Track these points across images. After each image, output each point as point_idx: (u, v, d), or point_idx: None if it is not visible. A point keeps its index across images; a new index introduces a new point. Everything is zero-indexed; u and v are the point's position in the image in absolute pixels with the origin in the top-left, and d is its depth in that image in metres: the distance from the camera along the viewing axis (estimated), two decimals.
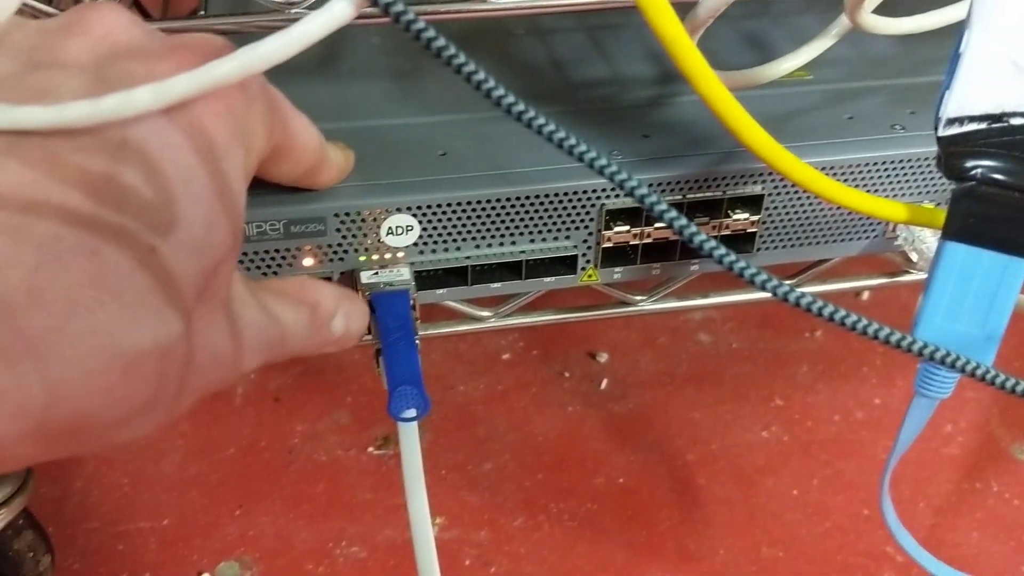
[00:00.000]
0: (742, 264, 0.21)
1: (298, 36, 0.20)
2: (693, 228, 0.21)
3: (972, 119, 0.25)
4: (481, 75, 0.21)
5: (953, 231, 0.26)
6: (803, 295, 0.21)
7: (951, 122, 0.25)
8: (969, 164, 0.25)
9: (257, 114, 0.24)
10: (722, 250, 0.21)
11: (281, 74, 0.41)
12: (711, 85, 0.22)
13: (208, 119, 0.22)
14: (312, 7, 0.30)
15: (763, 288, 0.22)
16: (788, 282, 0.39)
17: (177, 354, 0.21)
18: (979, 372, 0.22)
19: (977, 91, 0.24)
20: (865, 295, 0.61)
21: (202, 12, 0.42)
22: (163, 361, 0.20)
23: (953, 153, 0.25)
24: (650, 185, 0.34)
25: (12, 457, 0.19)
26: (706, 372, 0.57)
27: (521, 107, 0.21)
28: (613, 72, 0.40)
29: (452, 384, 0.56)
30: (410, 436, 0.31)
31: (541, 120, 0.21)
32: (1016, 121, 0.24)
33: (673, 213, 0.21)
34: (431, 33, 0.20)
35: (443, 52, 0.21)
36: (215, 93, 0.22)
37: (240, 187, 0.23)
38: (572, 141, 0.21)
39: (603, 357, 0.58)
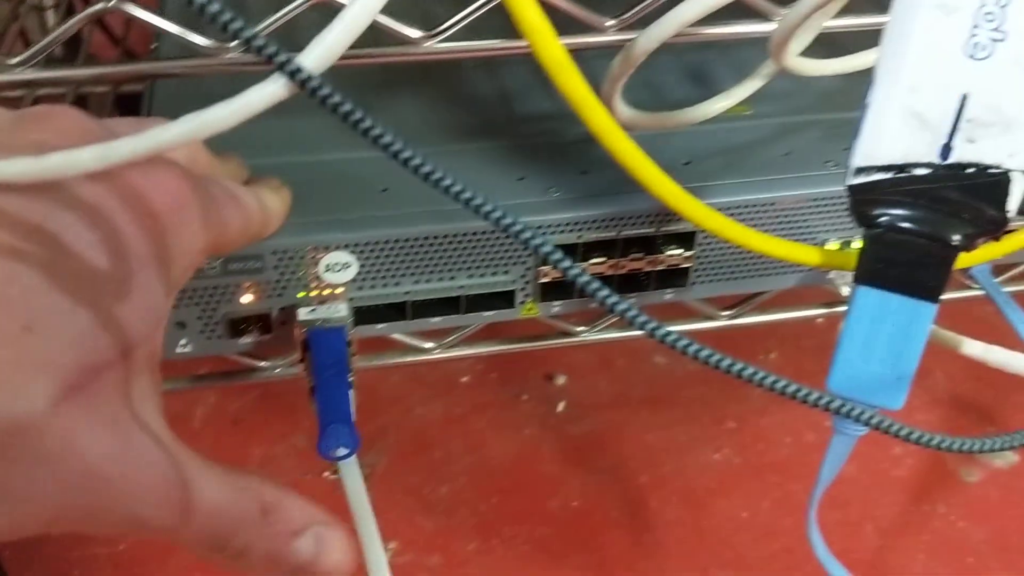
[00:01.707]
0: (624, 306, 0.22)
1: (239, 107, 0.21)
2: (576, 270, 0.22)
3: (878, 169, 0.25)
4: (379, 130, 0.21)
5: (864, 275, 0.26)
6: (681, 339, 0.22)
7: (859, 171, 0.26)
8: (877, 212, 0.26)
9: (194, 218, 0.23)
10: (605, 291, 0.22)
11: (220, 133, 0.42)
12: (619, 143, 0.23)
13: (155, 196, 0.22)
14: (244, 52, 0.31)
15: (643, 330, 0.22)
16: (726, 312, 0.40)
17: (31, 440, 0.19)
18: (883, 425, 0.23)
19: (883, 142, 0.25)
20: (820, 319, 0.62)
21: (153, 46, 0.42)
22: (11, 440, 0.18)
23: (862, 201, 0.26)
24: (587, 221, 0.35)
25: None
26: (661, 394, 0.58)
27: (428, 167, 0.22)
28: (557, 107, 0.41)
29: (410, 407, 0.57)
30: (352, 471, 0.31)
31: (430, 168, 0.22)
32: (920, 171, 0.25)
33: (556, 254, 0.22)
34: (337, 99, 0.21)
35: (349, 117, 0.21)
36: (160, 176, 0.22)
37: (178, 272, 0.23)
38: (460, 188, 0.22)
39: (561, 379, 0.59)
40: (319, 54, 0.21)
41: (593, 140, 0.39)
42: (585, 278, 0.21)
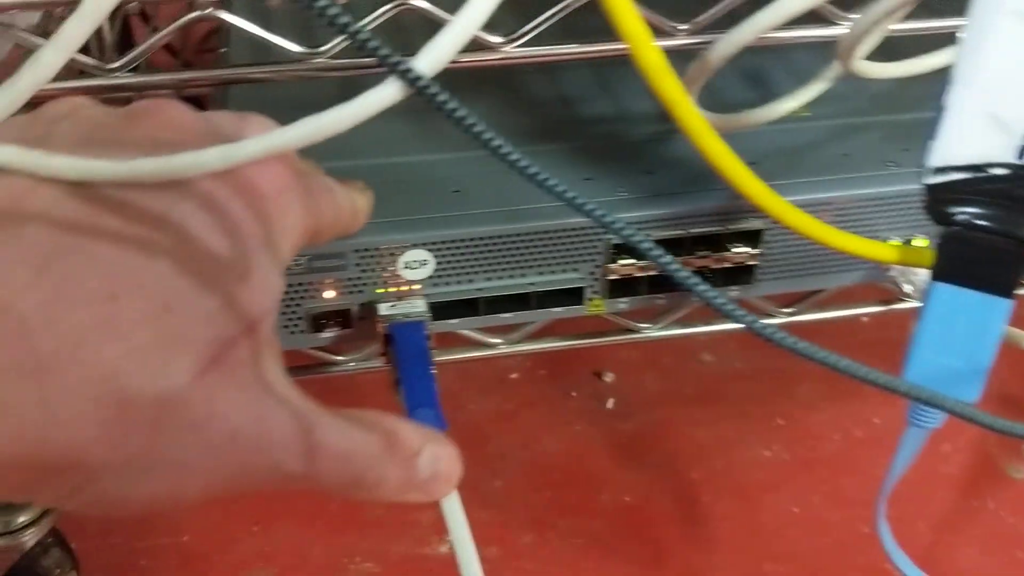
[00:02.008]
0: (721, 300, 0.23)
1: (356, 110, 0.22)
2: (669, 259, 0.23)
3: (955, 169, 0.26)
4: (489, 133, 0.22)
5: (941, 272, 0.27)
6: (777, 331, 0.23)
7: (937, 171, 0.26)
8: (954, 210, 0.26)
9: (297, 205, 0.25)
10: (703, 286, 0.23)
11: (300, 111, 0.43)
12: (711, 143, 0.24)
13: (262, 182, 0.23)
14: (333, 57, 0.32)
15: (739, 322, 0.23)
16: (787, 310, 0.41)
17: (179, 411, 0.20)
18: (958, 410, 0.24)
19: (960, 143, 0.26)
20: (865, 317, 0.62)
21: (223, 50, 0.44)
22: (162, 412, 0.20)
23: (939, 200, 0.27)
24: (656, 220, 0.36)
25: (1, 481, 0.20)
26: (710, 392, 0.59)
27: (524, 162, 0.23)
28: (619, 108, 0.42)
29: (463, 403, 0.58)
30: (453, 508, 0.29)
31: (536, 169, 0.23)
32: (997, 171, 0.26)
33: (656, 249, 0.23)
34: (453, 105, 0.22)
35: (463, 120, 0.22)
36: (268, 163, 0.23)
37: (286, 252, 0.24)
38: (562, 187, 0.23)
39: (609, 377, 0.59)
40: (433, 57, 0.22)
41: (656, 140, 0.40)
42: (684, 273, 0.22)
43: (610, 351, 0.61)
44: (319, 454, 0.23)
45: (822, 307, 0.41)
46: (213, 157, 0.21)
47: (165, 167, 0.21)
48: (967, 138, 0.26)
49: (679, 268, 0.24)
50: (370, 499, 0.25)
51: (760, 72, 0.45)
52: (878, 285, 0.41)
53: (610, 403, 0.58)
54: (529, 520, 0.51)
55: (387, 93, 0.22)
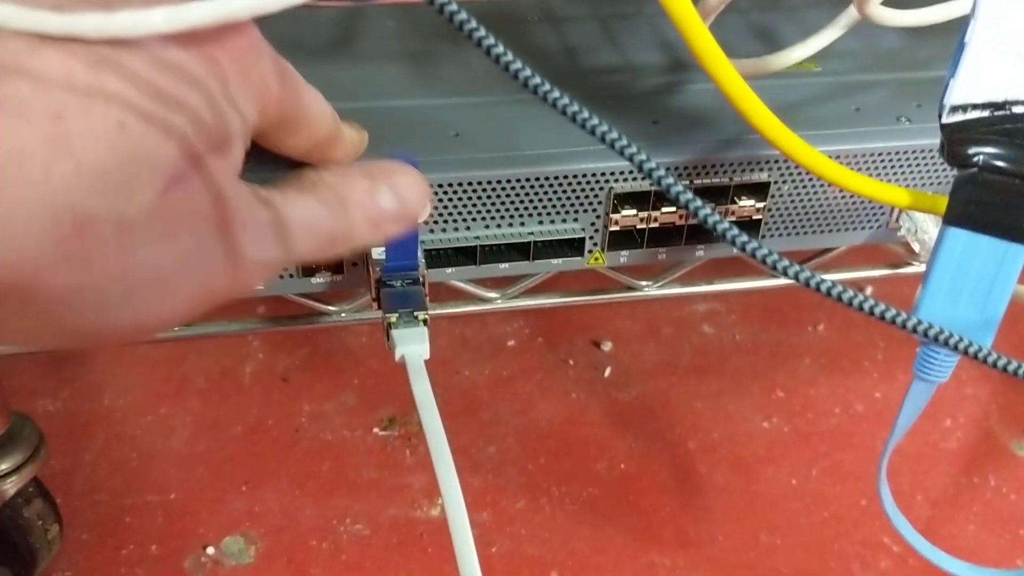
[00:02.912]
0: (754, 245, 0.22)
1: None
2: (707, 209, 0.22)
3: (975, 107, 0.25)
4: (510, 56, 0.21)
5: (954, 216, 0.26)
6: (813, 275, 0.22)
7: (954, 109, 0.25)
8: (971, 151, 0.25)
9: (266, 69, 0.24)
10: (735, 231, 0.22)
11: (297, 53, 0.42)
12: (723, 69, 0.23)
13: (220, 55, 0.22)
14: None
15: (775, 269, 0.22)
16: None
17: (145, 230, 0.20)
18: (975, 352, 0.23)
19: (980, 80, 0.25)
20: (869, 290, 0.61)
21: None
22: (125, 231, 0.20)
23: (956, 140, 0.26)
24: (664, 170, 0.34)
25: None
26: (709, 363, 0.58)
27: (546, 87, 0.22)
28: (624, 60, 0.41)
29: (458, 369, 0.57)
30: (418, 371, 0.31)
31: (558, 95, 0.22)
32: (1018, 109, 0.25)
33: (689, 195, 0.22)
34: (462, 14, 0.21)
35: (474, 33, 0.21)
36: (225, 35, 0.22)
37: (251, 113, 0.24)
38: (595, 121, 0.22)
39: (607, 346, 0.59)
40: None
41: (662, 92, 0.39)
42: (721, 221, 0.21)
43: (609, 321, 0.60)
44: (288, 234, 0.24)
45: (827, 269, 0.40)
46: (159, 18, 0.20)
47: (107, 24, 0.20)
48: (987, 75, 0.25)
49: (710, 213, 0.23)
50: (354, 248, 0.26)
51: (771, 30, 0.44)
52: (886, 247, 0.41)
53: (608, 372, 0.57)
54: (523, 486, 0.51)
55: None
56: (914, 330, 0.23)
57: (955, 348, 0.23)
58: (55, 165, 0.19)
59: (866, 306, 0.23)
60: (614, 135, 0.21)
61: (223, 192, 0.22)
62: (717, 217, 0.22)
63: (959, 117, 0.25)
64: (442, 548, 0.48)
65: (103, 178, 0.19)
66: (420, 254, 0.33)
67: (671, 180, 0.21)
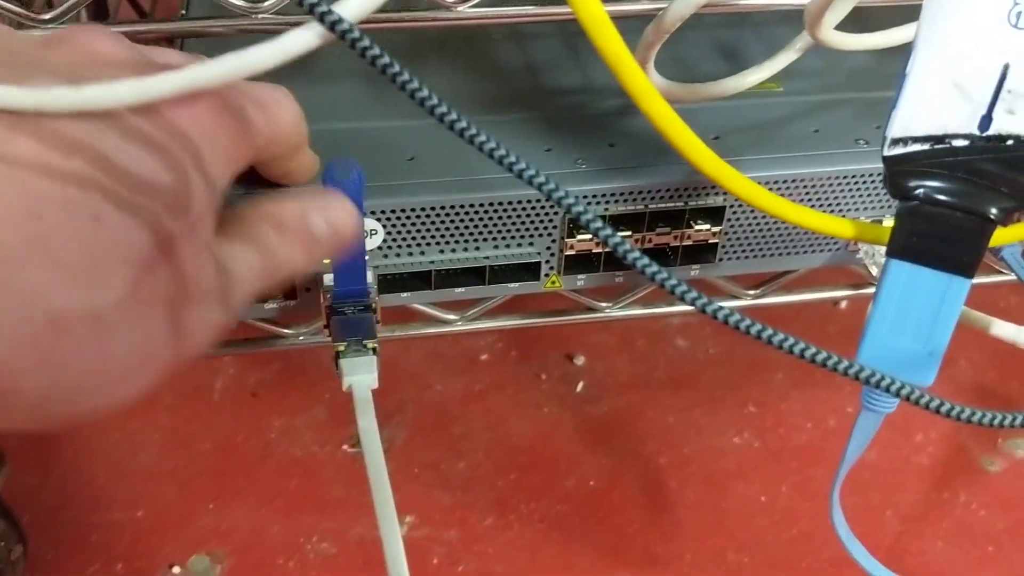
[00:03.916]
0: (664, 276, 0.22)
1: (276, 49, 0.21)
2: (618, 239, 0.22)
3: (916, 140, 0.25)
4: (425, 91, 0.21)
5: (897, 249, 0.26)
6: (720, 308, 0.22)
7: (895, 142, 0.25)
8: (913, 183, 0.25)
9: (239, 129, 0.24)
10: (645, 260, 0.22)
11: (258, 76, 0.42)
12: (655, 104, 0.22)
13: (190, 126, 0.22)
14: (278, 12, 0.31)
15: (684, 300, 0.22)
16: (752, 292, 0.40)
17: (117, 323, 0.20)
18: (913, 397, 0.23)
19: (921, 112, 0.25)
20: (844, 303, 0.61)
21: (183, 12, 0.42)
22: (99, 327, 0.20)
23: (898, 172, 0.25)
24: (614, 194, 0.34)
25: None
26: (682, 377, 0.58)
27: (463, 123, 0.21)
28: (586, 80, 0.41)
29: (430, 383, 0.57)
30: (365, 403, 0.31)
31: (474, 131, 0.22)
32: (958, 143, 0.25)
33: (599, 223, 0.22)
34: (375, 51, 0.21)
35: (387, 69, 0.21)
36: (194, 104, 0.22)
37: (220, 178, 0.24)
38: (503, 153, 0.22)
39: (580, 360, 0.58)
40: (358, 5, 0.20)
41: (622, 113, 0.39)
42: (630, 249, 0.21)
43: (583, 334, 0.60)
44: (233, 296, 0.24)
45: (789, 290, 0.40)
46: (126, 90, 0.20)
47: (75, 97, 0.20)
48: (928, 107, 0.25)
49: (621, 242, 0.23)
50: (294, 275, 0.26)
51: (737, 48, 0.43)
52: (848, 268, 0.40)
53: (580, 386, 0.57)
54: (492, 503, 0.50)
55: (309, 36, 0.21)
56: (846, 373, 0.23)
57: (890, 391, 0.22)
58: (31, 266, 0.19)
59: (786, 345, 0.22)
60: (511, 159, 0.21)
61: (188, 274, 0.22)
62: (627, 246, 0.22)
63: (900, 150, 0.25)
64: (410, 568, 0.48)
65: (78, 275, 0.19)
66: (372, 279, 0.33)
67: (581, 208, 0.21)
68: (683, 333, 0.60)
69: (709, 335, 0.60)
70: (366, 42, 0.21)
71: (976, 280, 0.41)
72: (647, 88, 0.22)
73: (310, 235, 0.26)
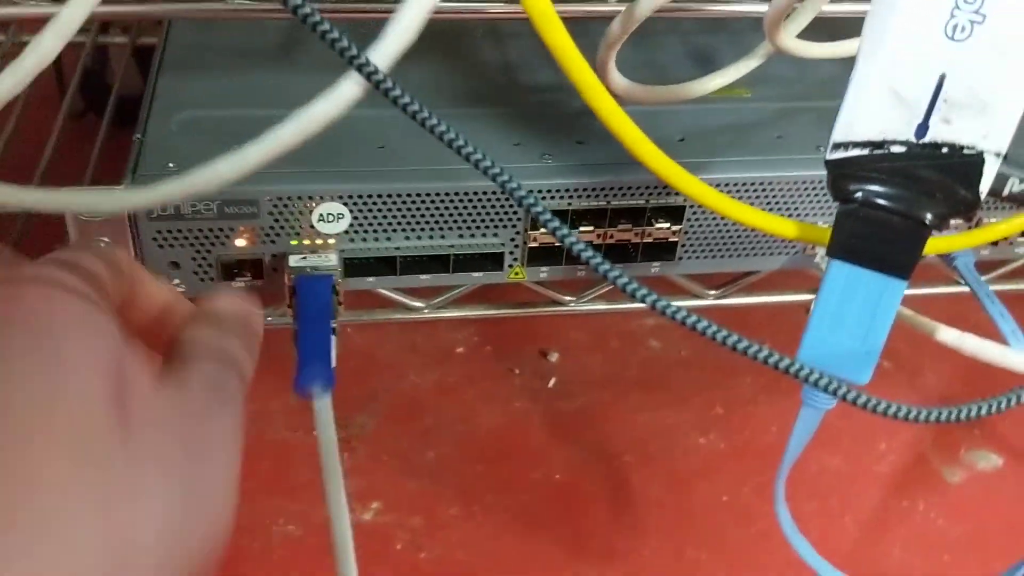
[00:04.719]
0: (616, 273, 0.23)
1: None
2: (573, 238, 0.23)
3: (856, 144, 0.26)
4: (346, 44, 0.22)
5: (837, 249, 0.27)
6: (669, 305, 0.23)
7: (837, 147, 0.26)
8: (852, 187, 0.26)
9: None
10: (598, 259, 0.23)
11: (236, 59, 0.43)
12: (599, 97, 0.23)
13: None
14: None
15: (635, 297, 0.23)
16: (713, 292, 0.41)
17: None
18: (849, 396, 0.23)
19: (861, 118, 0.26)
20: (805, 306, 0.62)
21: None
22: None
23: (838, 176, 0.26)
24: (578, 189, 0.35)
25: None
26: (653, 377, 0.58)
27: (425, 113, 0.22)
28: (559, 78, 0.41)
29: (404, 373, 0.58)
30: (324, 413, 0.32)
31: (435, 122, 0.23)
32: (896, 149, 0.25)
33: (550, 218, 0.22)
34: (335, 34, 0.21)
35: (345, 52, 0.22)
36: None
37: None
38: (462, 143, 0.23)
39: (554, 356, 0.59)
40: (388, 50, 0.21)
41: (592, 113, 0.40)
42: (577, 243, 0.22)
43: (558, 331, 0.61)
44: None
45: (751, 292, 0.41)
46: None
47: None
48: (867, 113, 0.26)
49: (568, 234, 0.24)
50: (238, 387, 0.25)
51: (711, 54, 0.44)
52: (809, 272, 0.41)
53: (552, 382, 0.58)
54: (457, 492, 0.51)
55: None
56: (787, 371, 0.24)
57: (827, 391, 0.23)
58: None
59: (729, 341, 0.23)
60: (470, 150, 0.22)
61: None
62: (582, 245, 0.22)
63: (841, 154, 0.26)
64: (371, 552, 0.48)
65: None
66: (338, 262, 0.34)
67: (531, 200, 0.22)
68: (656, 335, 0.61)
69: (682, 337, 0.61)
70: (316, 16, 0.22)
71: (937, 290, 0.43)
72: (597, 87, 0.23)
73: (231, 352, 0.26)
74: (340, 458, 0.32)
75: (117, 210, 0.27)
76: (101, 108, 0.56)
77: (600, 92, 0.23)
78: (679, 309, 0.24)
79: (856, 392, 0.25)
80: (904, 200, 0.26)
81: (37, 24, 0.25)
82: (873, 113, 0.25)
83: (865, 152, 0.26)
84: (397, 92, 0.21)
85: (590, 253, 0.24)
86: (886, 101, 0.25)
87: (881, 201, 0.26)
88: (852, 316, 0.27)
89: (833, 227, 0.27)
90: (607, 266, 0.24)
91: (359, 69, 0.21)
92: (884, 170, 0.26)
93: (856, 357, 0.28)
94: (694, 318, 0.25)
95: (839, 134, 0.26)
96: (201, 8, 0.33)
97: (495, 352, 0.59)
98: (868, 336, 0.27)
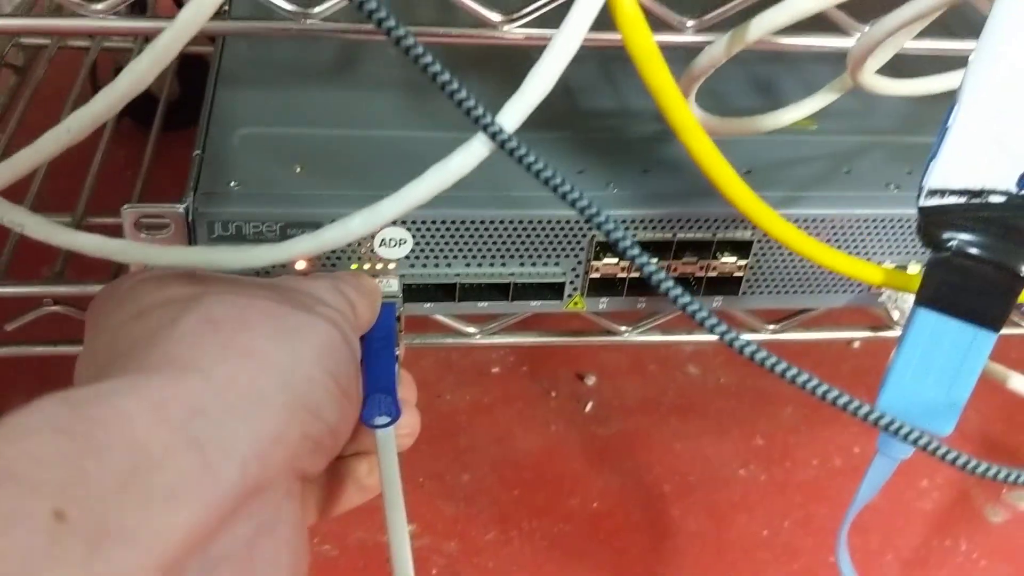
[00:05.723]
0: (695, 307, 0.22)
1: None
2: (653, 267, 0.22)
3: (953, 192, 0.25)
4: (473, 104, 0.21)
5: (926, 298, 0.26)
6: (756, 347, 0.22)
7: (932, 193, 0.25)
8: (946, 235, 0.25)
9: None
10: (678, 291, 0.22)
11: (300, 78, 0.42)
12: (699, 141, 0.23)
13: None
14: (327, 19, 0.31)
15: (713, 332, 0.22)
16: (772, 326, 0.40)
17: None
18: (930, 447, 0.23)
19: (960, 166, 0.25)
20: (856, 343, 0.61)
21: (226, 9, 0.43)
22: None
23: (932, 223, 0.26)
24: (644, 220, 0.35)
25: None
26: (691, 404, 0.58)
27: (513, 143, 0.22)
28: (622, 104, 0.41)
29: (440, 392, 0.57)
30: (387, 443, 0.31)
31: (524, 151, 0.22)
32: (995, 199, 0.25)
33: (636, 250, 0.22)
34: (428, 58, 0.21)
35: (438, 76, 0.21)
36: None
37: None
38: (549, 173, 0.22)
39: (591, 379, 0.59)
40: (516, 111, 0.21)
41: (656, 140, 0.39)
42: (661, 276, 0.21)
43: (595, 354, 0.60)
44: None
45: (808, 327, 0.40)
46: None
47: None
48: (967, 161, 0.25)
49: (654, 268, 0.23)
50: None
51: (772, 83, 0.44)
52: (868, 310, 0.41)
53: (589, 406, 0.57)
54: (494, 517, 0.50)
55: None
56: (866, 418, 0.23)
57: (907, 440, 0.23)
58: None
59: (809, 385, 0.23)
60: (557, 180, 0.21)
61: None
62: (662, 275, 0.22)
63: (936, 201, 0.25)
64: None
65: None
66: (398, 287, 0.33)
67: (620, 233, 0.21)
68: (695, 360, 0.60)
69: (720, 364, 0.60)
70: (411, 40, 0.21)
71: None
72: (690, 121, 0.23)
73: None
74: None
75: (248, 268, 0.28)
76: (137, 112, 0.55)
77: (696, 130, 0.23)
78: (759, 348, 0.23)
79: (940, 444, 0.24)
80: (1000, 251, 0.25)
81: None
82: (973, 162, 0.25)
83: (962, 200, 0.25)
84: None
85: (677, 289, 0.23)
86: (988, 150, 0.24)
87: (975, 251, 0.25)
88: (937, 366, 0.27)
89: (923, 275, 0.26)
90: (693, 303, 0.23)
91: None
92: (981, 219, 0.25)
93: (939, 408, 0.27)
94: (774, 359, 0.24)
95: (936, 180, 0.25)
96: (256, 26, 0.32)
97: (531, 373, 0.59)
98: (953, 387, 0.27)
